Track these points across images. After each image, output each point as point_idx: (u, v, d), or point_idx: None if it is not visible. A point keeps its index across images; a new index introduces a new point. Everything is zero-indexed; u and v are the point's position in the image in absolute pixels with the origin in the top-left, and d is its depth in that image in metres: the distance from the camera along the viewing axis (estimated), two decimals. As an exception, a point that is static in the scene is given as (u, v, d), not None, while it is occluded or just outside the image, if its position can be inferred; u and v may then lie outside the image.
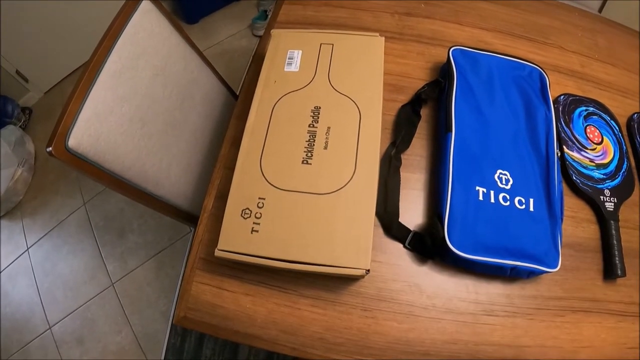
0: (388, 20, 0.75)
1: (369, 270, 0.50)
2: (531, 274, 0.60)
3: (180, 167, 0.78)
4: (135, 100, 0.69)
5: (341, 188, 0.54)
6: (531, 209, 0.60)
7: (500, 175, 0.61)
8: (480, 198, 0.58)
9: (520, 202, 0.60)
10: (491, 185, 0.60)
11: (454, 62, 0.66)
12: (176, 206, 0.78)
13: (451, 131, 0.60)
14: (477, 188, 0.59)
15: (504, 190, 0.60)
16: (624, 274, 0.65)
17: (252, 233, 0.53)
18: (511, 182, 0.61)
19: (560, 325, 0.62)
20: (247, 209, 0.54)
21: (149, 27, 0.73)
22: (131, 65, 0.69)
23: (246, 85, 0.70)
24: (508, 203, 0.59)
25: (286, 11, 0.75)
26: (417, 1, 0.77)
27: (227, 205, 0.55)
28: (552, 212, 0.60)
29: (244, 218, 0.54)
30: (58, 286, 1.25)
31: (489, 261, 0.55)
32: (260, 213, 0.54)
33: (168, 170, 0.75)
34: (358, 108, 0.59)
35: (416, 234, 0.59)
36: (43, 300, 1.25)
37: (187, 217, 0.82)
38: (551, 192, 0.61)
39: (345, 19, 0.74)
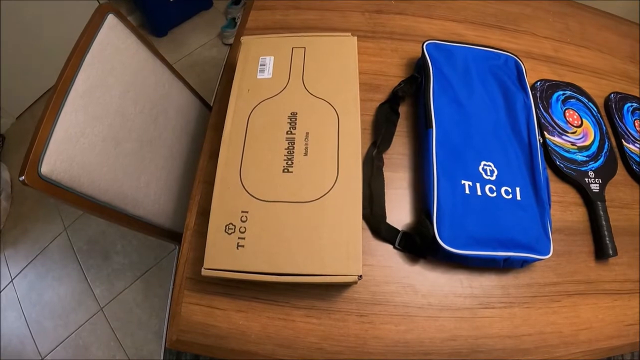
0: (358, 19, 0.74)
1: (361, 276, 0.49)
2: (524, 263, 0.59)
3: (159, 185, 0.75)
4: (107, 119, 0.67)
5: (325, 194, 0.53)
6: (518, 197, 0.59)
7: (485, 167, 0.60)
8: (467, 192, 0.57)
9: (507, 192, 0.59)
10: (476, 177, 0.59)
11: (429, 56, 0.65)
12: (158, 225, 0.76)
13: (432, 127, 0.59)
14: (463, 182, 0.58)
15: (489, 181, 0.59)
16: (615, 253, 0.65)
17: (238, 249, 0.51)
18: (496, 172, 0.60)
19: (557, 311, 0.62)
20: (231, 224, 0.53)
21: (115, 43, 0.70)
22: (100, 83, 0.66)
23: (219, 95, 0.69)
24: (495, 194, 0.58)
25: (255, 17, 0.74)
26: (387, -2, 0.77)
27: (209, 222, 0.53)
28: (540, 199, 0.60)
29: (228, 234, 0.52)
30: (46, 316, 1.21)
31: (482, 254, 0.55)
32: (245, 227, 0.52)
33: (146, 188, 0.72)
34: (335, 110, 0.58)
35: (405, 234, 0.58)
36: (33, 332, 1.21)
37: (171, 236, 0.80)
38: (537, 179, 0.61)
39: (315, 21, 0.73)
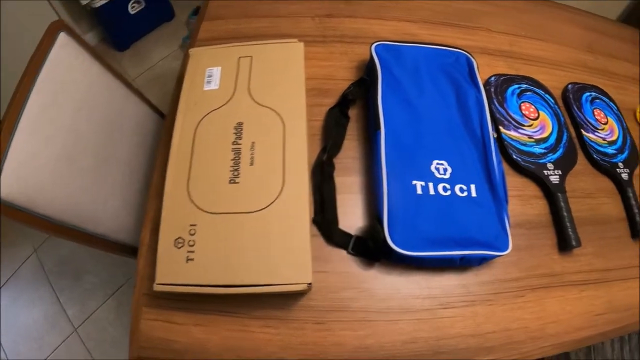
0: (309, 24, 0.73)
1: (310, 284, 0.49)
2: (483, 261, 0.59)
3: (118, 201, 0.75)
4: (61, 138, 0.66)
5: (272, 203, 0.53)
6: (474, 194, 0.59)
7: (437, 166, 0.60)
8: (419, 192, 0.57)
9: (461, 189, 0.59)
10: (429, 177, 0.58)
11: (378, 57, 0.65)
12: (120, 242, 0.75)
13: (380, 129, 0.59)
14: (414, 182, 0.57)
15: (442, 180, 0.59)
16: (579, 244, 0.64)
17: (187, 262, 0.51)
18: (449, 170, 0.60)
19: (522, 306, 0.61)
20: (180, 238, 0.52)
21: (67, 61, 0.70)
22: (53, 102, 0.66)
23: (171, 109, 0.68)
24: (449, 192, 0.58)
25: (207, 28, 0.73)
26: (338, 1, 0.76)
27: (159, 237, 0.53)
28: (496, 195, 0.59)
29: (178, 248, 0.52)
30: (21, 340, 1.20)
31: (436, 255, 0.54)
32: (194, 240, 0.52)
33: (105, 206, 0.72)
34: (281, 118, 0.57)
35: (358, 239, 0.57)
36: (9, 357, 1.20)
37: (133, 252, 0.79)
38: (492, 175, 0.60)
39: (266, 29, 0.73)
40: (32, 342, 1.18)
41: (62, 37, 0.70)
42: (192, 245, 0.51)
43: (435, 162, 0.60)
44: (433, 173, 0.59)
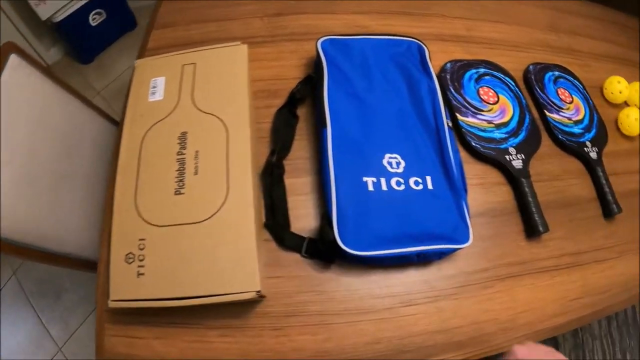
0: (258, 24, 0.72)
1: (259, 292, 0.48)
2: (442, 255, 0.57)
3: (81, 218, 0.74)
4: (18, 161, 0.66)
5: (216, 212, 0.52)
6: (430, 186, 0.57)
7: (390, 160, 0.58)
8: (371, 188, 0.55)
9: (416, 182, 0.57)
10: (381, 172, 0.57)
11: (323, 53, 0.63)
12: (87, 259, 0.75)
13: (326, 126, 0.57)
14: (365, 179, 0.56)
15: (396, 174, 0.57)
16: (546, 229, 0.63)
17: (138, 277, 0.50)
18: (403, 164, 0.58)
19: (490, 297, 0.60)
20: (130, 253, 0.52)
21: (19, 82, 0.69)
22: (7, 125, 0.65)
23: (121, 122, 0.68)
24: (403, 187, 0.56)
25: (156, 37, 0.72)
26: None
27: (111, 253, 0.52)
28: (453, 185, 0.58)
29: (129, 263, 0.51)
30: None
31: (390, 253, 0.52)
32: (143, 255, 0.51)
33: (68, 224, 0.71)
34: (225, 125, 0.56)
35: (311, 241, 0.56)
36: (-2, 384, 1.20)
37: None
38: (447, 165, 0.59)
39: (215, 33, 0.71)
40: (18, 365, 1.19)
41: (13, 59, 0.69)
42: (142, 260, 0.51)
43: (387, 156, 0.58)
44: (385, 167, 0.57)
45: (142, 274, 0.50)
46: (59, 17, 1.47)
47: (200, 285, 0.48)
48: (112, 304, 0.49)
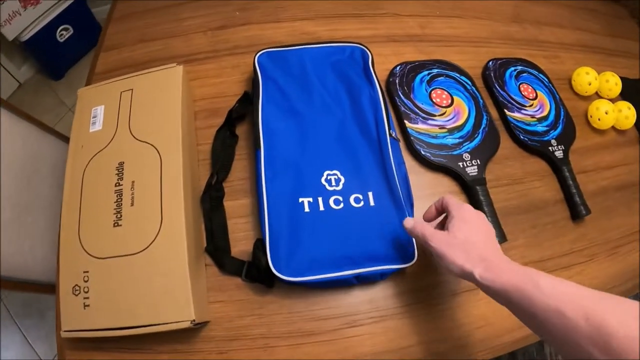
0: (201, 40, 0.70)
1: (194, 320, 0.48)
2: (384, 275, 0.55)
3: (45, 246, 0.76)
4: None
5: (152, 243, 0.52)
6: (371, 203, 0.55)
7: (329, 177, 0.56)
8: (307, 210, 0.54)
9: (357, 199, 0.55)
10: (318, 191, 0.55)
11: (260, 68, 0.61)
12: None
13: (260, 148, 0.56)
14: (301, 200, 0.54)
15: (334, 192, 0.55)
16: (503, 239, 0.60)
17: (85, 308, 0.51)
18: (343, 180, 0.56)
19: (442, 314, 0.57)
20: (77, 285, 0.53)
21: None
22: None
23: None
24: (341, 205, 0.54)
25: (103, 60, 0.71)
26: (232, 9, 0.73)
27: (59, 286, 0.54)
28: (396, 200, 0.56)
29: (75, 295, 0.53)
30: None
31: (325, 277, 0.50)
32: (88, 287, 0.53)
33: (33, 253, 0.73)
34: (158, 152, 0.56)
35: (250, 265, 0.55)
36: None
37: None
38: (390, 179, 0.56)
39: (159, 52, 0.70)
40: (9, 385, 1.24)
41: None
42: (87, 292, 0.52)
43: (326, 173, 0.56)
44: (324, 186, 0.55)
45: (88, 306, 0.51)
46: (26, 36, 1.48)
47: (139, 315, 0.49)
48: (64, 335, 0.51)
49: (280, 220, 0.53)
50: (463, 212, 0.45)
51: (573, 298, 0.34)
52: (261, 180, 0.54)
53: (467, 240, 0.43)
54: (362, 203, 0.55)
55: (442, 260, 0.43)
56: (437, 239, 0.44)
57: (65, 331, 0.51)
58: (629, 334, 0.29)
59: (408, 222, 0.48)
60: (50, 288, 0.77)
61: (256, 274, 0.54)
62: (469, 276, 0.42)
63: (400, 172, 0.58)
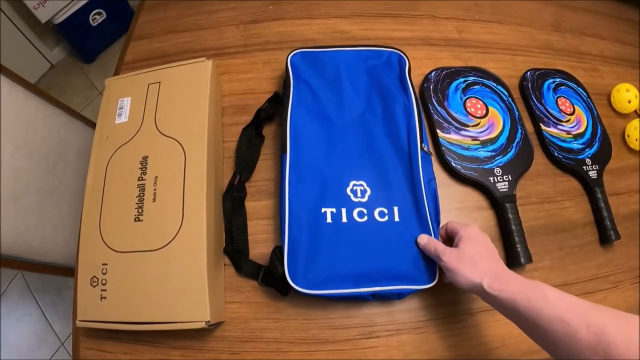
0: (233, 33, 0.68)
1: (209, 321, 0.48)
2: (401, 295, 0.53)
3: (67, 230, 0.77)
4: (2, 180, 0.68)
5: (171, 241, 0.52)
6: (396, 218, 0.53)
7: (355, 188, 0.55)
8: (329, 220, 0.52)
9: (381, 213, 0.53)
10: (342, 202, 0.53)
11: (292, 69, 0.59)
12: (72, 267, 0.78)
13: (286, 152, 0.55)
14: (324, 210, 0.53)
15: (359, 204, 0.54)
16: (528, 261, 0.58)
17: (101, 300, 0.52)
18: (368, 192, 0.55)
19: (459, 332, 0.56)
20: (95, 276, 0.54)
21: (2, 101, 0.71)
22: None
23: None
24: (365, 218, 0.53)
25: (133, 50, 0.71)
26: (265, 3, 0.71)
27: (78, 276, 0.55)
28: (422, 218, 0.54)
29: (93, 286, 0.54)
30: (14, 356, 1.28)
31: (341, 293, 0.49)
32: (105, 279, 0.53)
33: (54, 236, 0.74)
34: (183, 148, 0.55)
35: (267, 270, 0.55)
36: (3, 376, 1.30)
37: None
38: (418, 194, 0.54)
39: (189, 43, 0.69)
40: (23, 357, 1.26)
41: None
42: (104, 284, 0.53)
43: (352, 183, 0.55)
44: (349, 197, 0.54)
45: (105, 298, 0.52)
46: (59, 19, 1.49)
47: (155, 312, 0.50)
48: (79, 324, 0.53)
49: (301, 230, 0.52)
50: (470, 230, 0.49)
51: (576, 308, 0.36)
52: (285, 184, 0.53)
53: (475, 255, 0.46)
54: (386, 217, 0.53)
55: (453, 274, 0.46)
56: (448, 255, 0.47)
57: (80, 321, 0.52)
58: (627, 342, 0.31)
59: (422, 238, 0.51)
60: (69, 271, 0.78)
61: (272, 280, 0.54)
62: (477, 287, 0.44)
63: (429, 188, 0.56)
